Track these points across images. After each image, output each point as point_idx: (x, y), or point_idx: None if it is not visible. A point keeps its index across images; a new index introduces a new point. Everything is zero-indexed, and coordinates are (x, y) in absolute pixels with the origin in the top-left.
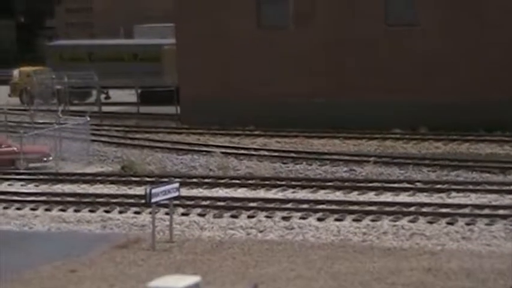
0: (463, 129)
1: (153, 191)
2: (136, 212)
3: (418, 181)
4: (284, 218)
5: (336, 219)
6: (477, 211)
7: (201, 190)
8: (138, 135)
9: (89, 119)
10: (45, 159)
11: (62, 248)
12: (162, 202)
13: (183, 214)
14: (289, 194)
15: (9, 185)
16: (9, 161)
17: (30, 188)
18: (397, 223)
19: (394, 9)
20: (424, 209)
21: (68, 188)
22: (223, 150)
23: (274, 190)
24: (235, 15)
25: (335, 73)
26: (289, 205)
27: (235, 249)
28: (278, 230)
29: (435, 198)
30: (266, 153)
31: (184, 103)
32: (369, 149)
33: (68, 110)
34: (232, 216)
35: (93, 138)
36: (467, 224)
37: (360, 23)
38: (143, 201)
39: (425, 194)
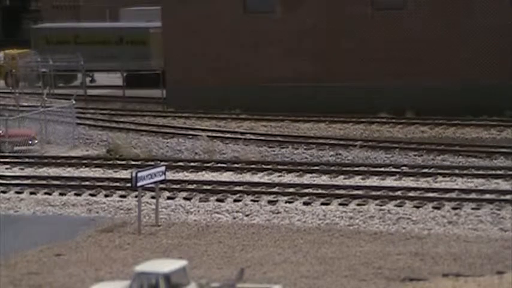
0: (449, 114)
1: (139, 174)
2: (122, 196)
3: (405, 165)
4: (270, 202)
5: (322, 204)
6: (464, 195)
7: (187, 174)
8: (123, 119)
9: (74, 102)
10: (30, 142)
11: (47, 232)
12: (147, 186)
13: (169, 198)
14: (275, 178)
15: None
16: None
17: (16, 171)
18: (383, 207)
19: None
20: (411, 194)
21: (53, 171)
22: (209, 134)
23: (260, 174)
24: None
25: (322, 57)
26: (275, 189)
27: (221, 233)
28: (264, 214)
29: (421, 183)
30: (252, 137)
31: (171, 87)
32: (355, 133)
33: (53, 93)
34: (218, 200)
35: (79, 121)
36: (454, 209)
37: (347, 7)
38: (129, 184)
39: (411, 178)
